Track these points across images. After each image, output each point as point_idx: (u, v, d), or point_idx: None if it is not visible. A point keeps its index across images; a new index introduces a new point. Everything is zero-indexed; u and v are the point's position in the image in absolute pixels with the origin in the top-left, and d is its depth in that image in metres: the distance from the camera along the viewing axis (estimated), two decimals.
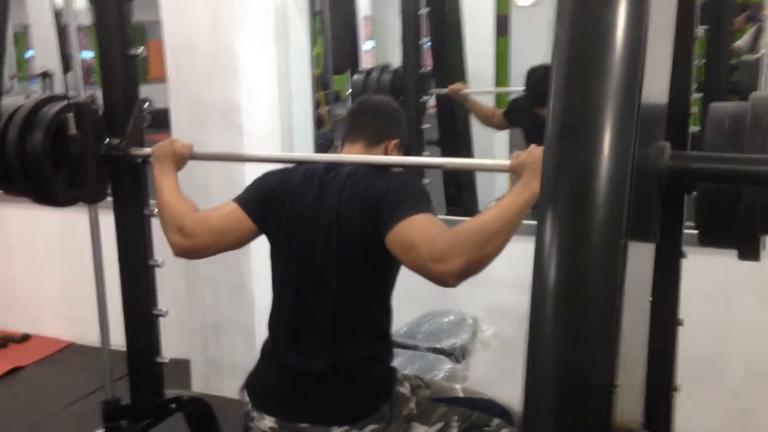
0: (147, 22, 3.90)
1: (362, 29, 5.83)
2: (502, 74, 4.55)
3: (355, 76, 4.06)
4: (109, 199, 2.20)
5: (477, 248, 1.47)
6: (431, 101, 3.83)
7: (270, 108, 3.12)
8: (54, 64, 5.69)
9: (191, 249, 1.80)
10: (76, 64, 2.24)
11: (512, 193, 1.54)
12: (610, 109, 0.79)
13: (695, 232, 1.13)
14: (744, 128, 1.08)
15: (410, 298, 1.92)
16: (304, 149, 3.30)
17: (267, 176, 1.83)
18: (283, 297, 1.77)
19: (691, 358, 1.45)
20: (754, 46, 4.16)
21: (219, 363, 3.26)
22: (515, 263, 1.86)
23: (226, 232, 1.79)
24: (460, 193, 3.91)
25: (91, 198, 2.16)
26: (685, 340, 1.41)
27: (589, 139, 0.79)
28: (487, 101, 4.15)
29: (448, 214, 3.63)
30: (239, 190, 1.85)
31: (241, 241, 1.81)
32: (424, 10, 3.51)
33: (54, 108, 2.05)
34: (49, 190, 2.08)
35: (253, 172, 1.93)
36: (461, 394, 1.81)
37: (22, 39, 7.93)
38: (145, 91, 2.18)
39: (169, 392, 2.27)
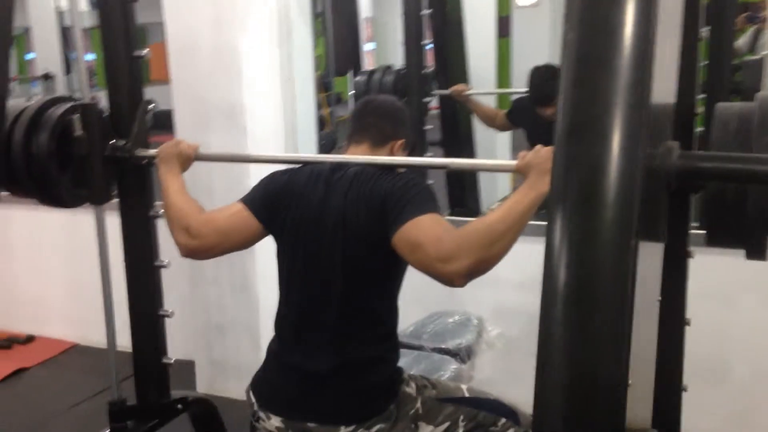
0: (148, 24, 3.91)
1: (363, 31, 5.84)
2: (503, 75, 4.56)
3: (358, 77, 4.06)
4: (115, 200, 2.20)
5: (484, 248, 1.47)
6: (434, 102, 3.83)
7: (273, 108, 3.12)
8: (55, 67, 5.69)
9: (198, 249, 1.81)
10: (81, 66, 2.25)
11: (519, 194, 1.54)
12: (620, 108, 0.79)
13: (698, 232, 1.14)
14: (750, 128, 1.08)
15: (415, 299, 1.93)
16: (308, 150, 3.30)
17: (273, 177, 1.83)
18: (290, 297, 1.77)
19: (695, 357, 1.45)
20: (753, 46, 4.17)
21: (224, 364, 3.26)
22: (520, 264, 1.87)
23: (233, 232, 1.79)
24: (464, 194, 3.92)
25: (96, 199, 2.17)
26: (689, 339, 1.41)
27: (600, 138, 0.79)
28: (489, 102, 4.16)
29: (451, 214, 3.63)
30: (243, 191, 1.85)
31: (247, 242, 1.82)
32: (426, 12, 3.51)
33: (60, 109, 2.05)
34: (54, 192, 2.09)
35: (257, 173, 1.94)
36: (467, 394, 1.81)
37: (23, 41, 7.93)
38: (147, 93, 2.19)
39: (175, 393, 2.27)
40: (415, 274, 1.62)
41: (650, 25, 0.79)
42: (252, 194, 1.82)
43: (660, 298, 1.00)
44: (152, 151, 2.08)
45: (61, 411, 3.26)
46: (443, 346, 2.27)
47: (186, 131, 3.01)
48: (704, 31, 1.30)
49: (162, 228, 2.07)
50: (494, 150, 4.34)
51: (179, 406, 2.25)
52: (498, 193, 4.31)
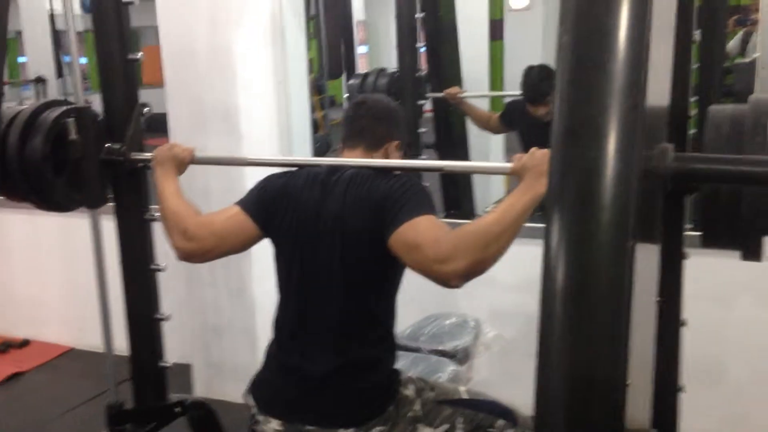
0: (141, 28, 3.90)
1: (356, 34, 5.85)
2: (496, 78, 4.58)
3: (352, 80, 4.08)
4: (110, 204, 2.20)
5: (480, 250, 1.48)
6: (427, 105, 3.84)
7: (268, 111, 3.13)
8: (48, 70, 5.68)
9: (195, 252, 1.81)
10: (75, 70, 2.25)
11: (514, 196, 1.55)
12: (616, 110, 0.80)
13: (693, 233, 1.14)
14: (743, 130, 1.09)
15: (412, 301, 1.94)
16: (303, 152, 3.31)
17: (269, 179, 1.83)
18: (288, 299, 1.78)
19: (691, 358, 1.46)
20: (744, 48, 4.19)
21: (221, 367, 3.26)
22: (517, 266, 1.88)
23: (230, 235, 1.79)
24: (459, 196, 3.93)
25: (92, 203, 2.16)
26: (685, 340, 1.42)
27: (596, 140, 0.80)
28: (483, 105, 4.17)
29: (446, 217, 3.64)
30: (240, 193, 1.86)
31: (244, 245, 1.82)
32: (419, 15, 3.52)
33: (54, 113, 2.05)
34: (50, 196, 2.08)
35: (253, 176, 1.94)
36: (465, 396, 1.82)
37: (15, 44, 7.91)
38: (140, 96, 2.19)
39: (173, 396, 2.27)
40: (412, 276, 1.63)
41: (644, 28, 0.80)
42: (249, 197, 1.82)
43: (657, 298, 1.00)
44: (147, 155, 2.08)
45: (58, 415, 3.25)
46: (441, 348, 2.27)
47: (181, 134, 3.01)
48: (696, 35, 1.31)
49: (158, 231, 2.07)
50: (488, 152, 4.35)
51: (177, 409, 2.25)
52: (492, 196, 4.32)
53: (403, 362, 2.00)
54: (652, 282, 0.98)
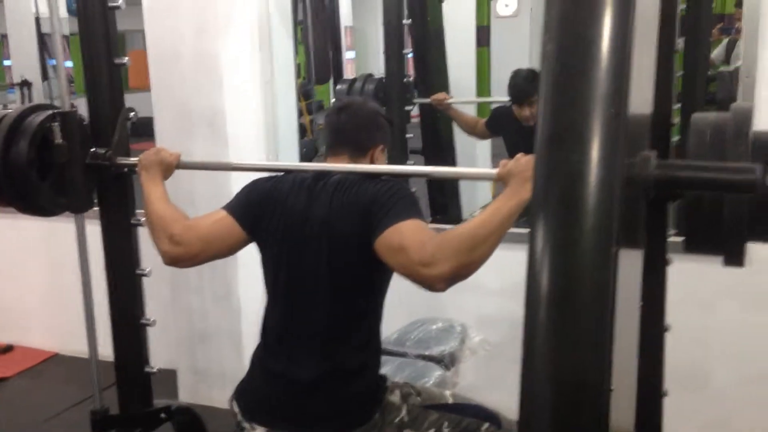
0: (127, 32, 3.89)
1: (344, 39, 5.86)
2: (483, 84, 4.60)
3: (339, 86, 4.08)
4: (95, 208, 2.19)
5: (465, 253, 1.49)
6: (414, 111, 3.85)
7: (255, 116, 3.12)
8: (33, 73, 5.64)
9: (181, 257, 1.80)
10: (61, 74, 2.24)
11: (500, 201, 1.56)
12: (599, 117, 0.81)
13: (676, 239, 1.15)
14: (725, 137, 1.10)
15: (399, 306, 1.94)
16: (290, 157, 3.30)
17: (256, 184, 1.83)
18: (275, 304, 1.77)
19: (674, 363, 1.47)
20: (728, 57, 4.24)
21: (206, 372, 3.24)
22: (502, 271, 1.89)
23: (216, 239, 1.79)
24: (445, 201, 3.94)
25: (77, 207, 2.16)
26: (668, 345, 1.43)
27: (580, 147, 0.81)
28: (469, 111, 4.19)
29: (433, 221, 3.65)
30: (226, 198, 1.85)
31: (231, 249, 1.82)
32: (406, 21, 3.53)
33: (39, 117, 2.04)
34: (35, 200, 2.08)
35: (239, 180, 1.94)
36: (451, 401, 1.82)
37: (0, 48, 7.86)
38: (126, 100, 2.18)
39: (158, 402, 2.26)
40: (399, 281, 1.63)
41: (627, 36, 0.81)
42: (235, 201, 1.82)
43: (641, 304, 1.01)
44: (133, 159, 2.08)
45: (42, 421, 3.23)
46: (427, 353, 2.28)
47: (167, 139, 3.00)
48: (680, 43, 1.33)
49: (143, 236, 2.07)
50: (474, 158, 4.37)
51: (162, 415, 2.24)
52: (479, 201, 4.34)
53: (389, 367, 2.00)
54: (635, 287, 0.99)
